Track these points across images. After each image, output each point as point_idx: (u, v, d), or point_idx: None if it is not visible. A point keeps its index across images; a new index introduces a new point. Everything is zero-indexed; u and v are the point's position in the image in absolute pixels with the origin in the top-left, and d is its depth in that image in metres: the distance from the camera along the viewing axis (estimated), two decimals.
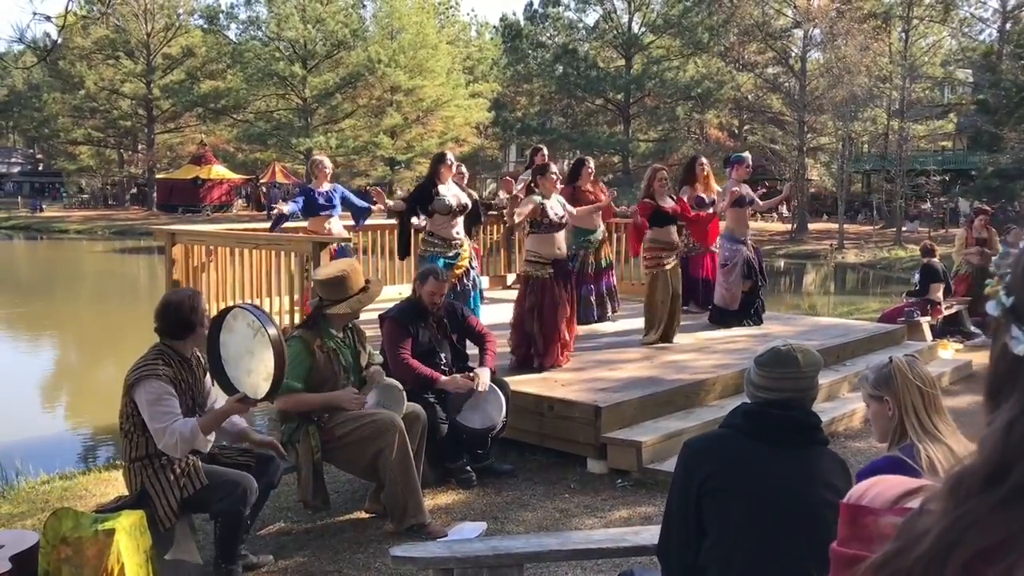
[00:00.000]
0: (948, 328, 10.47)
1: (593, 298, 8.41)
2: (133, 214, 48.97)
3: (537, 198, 6.49)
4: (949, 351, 9.21)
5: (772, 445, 2.39)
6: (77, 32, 44.72)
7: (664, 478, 4.99)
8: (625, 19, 43.61)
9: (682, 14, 40.49)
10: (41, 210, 51.14)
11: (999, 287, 0.78)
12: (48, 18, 6.90)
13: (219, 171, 48.77)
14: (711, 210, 8.51)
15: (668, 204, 7.46)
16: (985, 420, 0.76)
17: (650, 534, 3.00)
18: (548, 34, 46.25)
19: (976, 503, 0.70)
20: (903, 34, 35.91)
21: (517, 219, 6.53)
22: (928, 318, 10.11)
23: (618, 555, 3.24)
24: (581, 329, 7.47)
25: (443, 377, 5.21)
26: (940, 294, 10.52)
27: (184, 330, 3.96)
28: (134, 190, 56.14)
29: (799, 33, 37.36)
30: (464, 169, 8.84)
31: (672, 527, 2.48)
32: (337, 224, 8.36)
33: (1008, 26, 36.30)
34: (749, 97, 41.21)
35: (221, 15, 48.39)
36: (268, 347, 3.76)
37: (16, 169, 68.89)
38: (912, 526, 0.74)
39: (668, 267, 7.40)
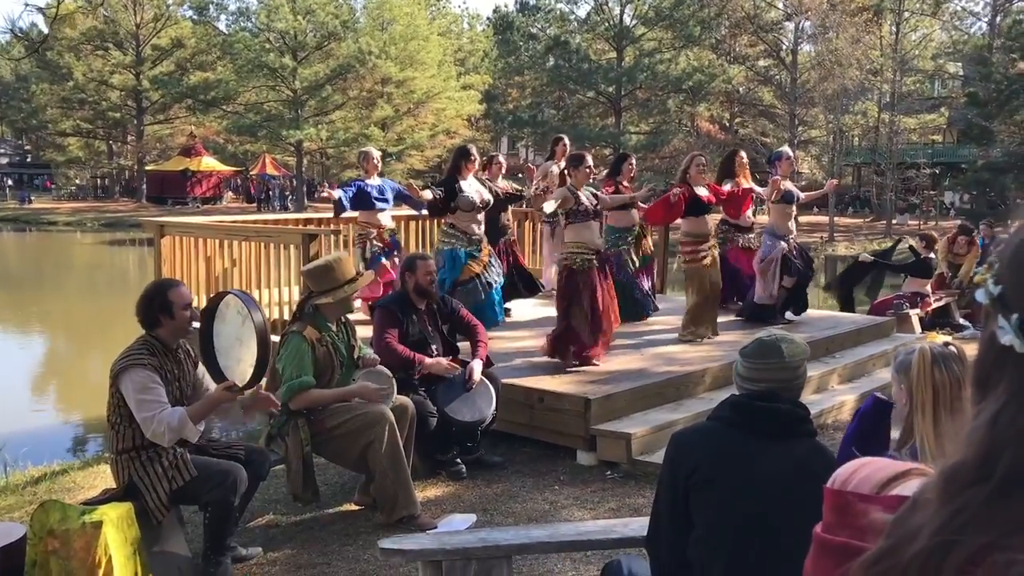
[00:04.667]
0: (937, 321, 10.52)
1: (645, 293, 8.41)
2: (122, 206, 48.76)
3: (565, 189, 6.43)
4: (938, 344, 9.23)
5: (759, 437, 2.37)
6: (66, 23, 44.42)
7: (653, 470, 5.00)
8: (616, 11, 43.54)
9: (673, 6, 40.45)
10: (30, 202, 50.86)
11: (987, 275, 0.77)
12: (40, 10, 6.85)
13: (209, 163, 48.60)
14: (754, 189, 8.43)
15: (703, 193, 7.44)
16: (971, 410, 0.75)
17: (639, 525, 3.01)
18: (539, 26, 46.15)
19: (969, 498, 0.69)
20: (894, 27, 35.97)
21: (548, 209, 6.46)
22: (917, 310, 10.15)
23: (607, 546, 3.24)
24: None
25: (428, 359, 5.19)
26: (929, 287, 10.55)
27: (150, 323, 3.92)
28: (123, 183, 55.92)
29: (790, 26, 37.45)
30: (502, 159, 8.71)
31: (660, 520, 2.47)
32: (387, 217, 8.27)
33: (999, 19, 36.38)
34: (740, 90, 41.29)
35: (211, 6, 48.00)
36: (253, 333, 3.75)
37: (4, 160, 68.48)
38: (905, 522, 0.73)
39: (706, 261, 7.33)
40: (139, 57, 48.98)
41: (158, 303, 3.89)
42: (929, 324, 10.25)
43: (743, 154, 8.68)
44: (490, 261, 7.59)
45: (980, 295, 0.77)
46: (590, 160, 6.65)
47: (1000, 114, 30.66)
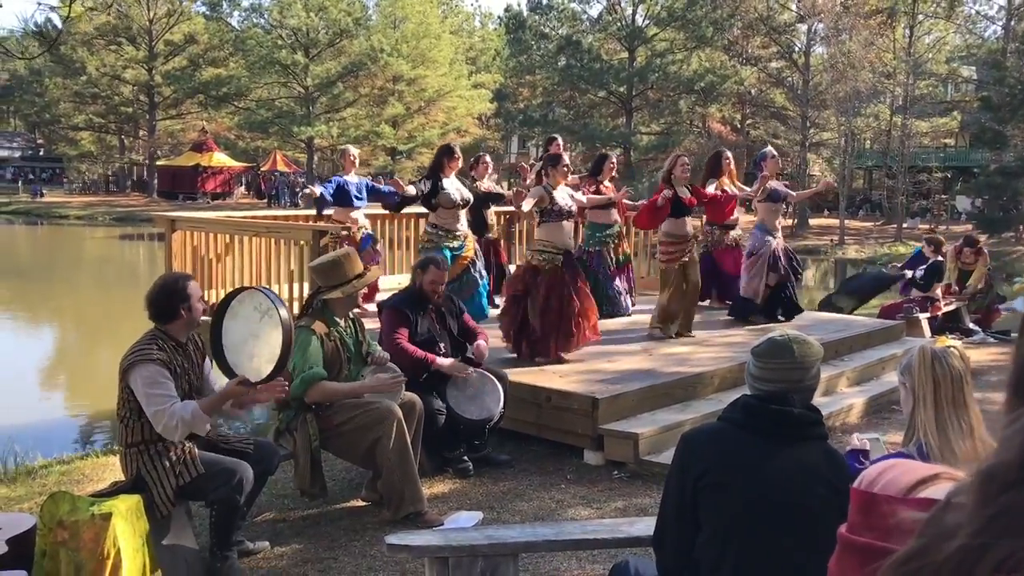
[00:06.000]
0: (947, 325, 10.47)
1: (620, 292, 8.43)
2: (134, 200, 48.96)
3: (541, 188, 6.48)
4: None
5: (769, 440, 2.35)
6: (80, 18, 44.58)
7: (660, 470, 4.99)
8: (629, 11, 43.51)
9: (686, 7, 40.39)
10: (42, 195, 51.10)
11: None
12: (53, 8, 6.91)
13: (220, 158, 48.75)
14: (738, 192, 8.47)
15: (685, 195, 7.45)
16: (1006, 416, 0.74)
17: (645, 525, 3.00)
18: (551, 25, 46.12)
19: (1007, 500, 0.67)
20: (908, 30, 35.83)
21: (525, 208, 6.51)
22: (927, 314, 10.11)
23: (613, 546, 3.24)
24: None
25: (439, 359, 5.21)
26: (939, 291, 10.52)
27: (166, 316, 3.92)
28: (135, 178, 56.15)
29: (803, 28, 37.32)
30: (489, 159, 8.83)
31: (667, 519, 2.46)
32: (361, 215, 8.37)
33: (1013, 23, 36.18)
34: (752, 91, 41.17)
35: (224, 2, 48.23)
36: (277, 328, 3.75)
37: (17, 154, 68.81)
38: (939, 521, 0.72)
39: (684, 259, 7.41)
40: (152, 52, 49.15)
41: (179, 296, 3.91)
42: (939, 328, 10.20)
43: (729, 155, 8.78)
44: (474, 257, 7.67)
45: (1019, 304, 0.76)
46: (567, 159, 6.73)
47: (1013, 118, 30.46)
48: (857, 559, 0.87)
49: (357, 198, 8.19)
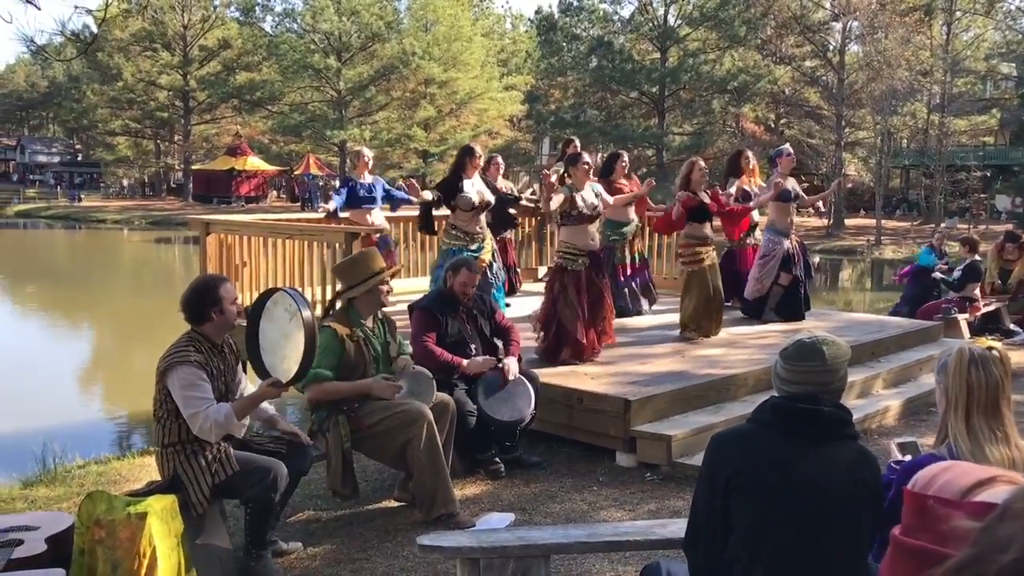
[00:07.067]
0: (986, 326, 10.29)
1: (628, 291, 8.40)
2: (169, 204, 49.66)
3: (566, 189, 6.47)
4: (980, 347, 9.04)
5: (799, 440, 2.33)
6: (115, 24, 45.37)
7: (693, 472, 4.95)
8: (661, 11, 43.34)
9: (719, 6, 40.14)
10: (80, 200, 51.98)
11: None
12: (90, 11, 7.05)
13: (254, 162, 49.28)
14: (751, 203, 8.42)
15: (705, 199, 7.43)
16: None
17: (678, 527, 2.98)
18: (583, 27, 46.10)
19: None
20: (945, 27, 35.32)
21: (552, 206, 6.52)
22: (966, 315, 9.95)
23: (646, 547, 3.22)
24: (615, 322, 7.43)
25: (465, 361, 5.20)
26: (978, 291, 10.36)
27: (198, 318, 3.95)
28: (173, 183, 56.90)
29: (838, 26, 36.91)
30: (500, 160, 8.96)
31: (698, 522, 2.45)
32: (379, 215, 8.48)
33: None
34: (786, 91, 40.81)
35: (257, 7, 48.76)
36: (301, 329, 3.79)
37: (56, 160, 70.07)
38: (993, 531, 0.71)
39: (706, 263, 7.36)
40: (186, 58, 49.84)
41: (210, 298, 3.94)
42: (978, 329, 10.03)
43: (750, 154, 8.72)
44: (492, 259, 7.69)
45: None
46: (587, 158, 6.68)
47: None
48: (911, 563, 0.85)
49: (366, 199, 8.30)
